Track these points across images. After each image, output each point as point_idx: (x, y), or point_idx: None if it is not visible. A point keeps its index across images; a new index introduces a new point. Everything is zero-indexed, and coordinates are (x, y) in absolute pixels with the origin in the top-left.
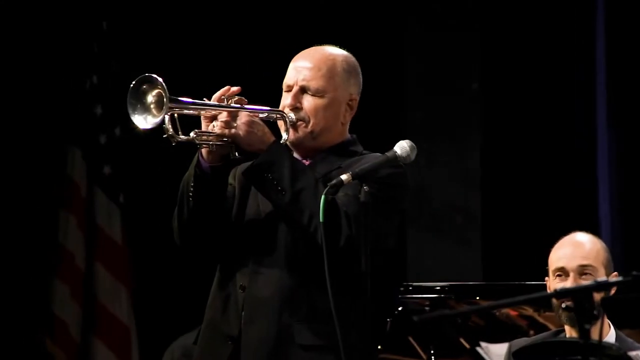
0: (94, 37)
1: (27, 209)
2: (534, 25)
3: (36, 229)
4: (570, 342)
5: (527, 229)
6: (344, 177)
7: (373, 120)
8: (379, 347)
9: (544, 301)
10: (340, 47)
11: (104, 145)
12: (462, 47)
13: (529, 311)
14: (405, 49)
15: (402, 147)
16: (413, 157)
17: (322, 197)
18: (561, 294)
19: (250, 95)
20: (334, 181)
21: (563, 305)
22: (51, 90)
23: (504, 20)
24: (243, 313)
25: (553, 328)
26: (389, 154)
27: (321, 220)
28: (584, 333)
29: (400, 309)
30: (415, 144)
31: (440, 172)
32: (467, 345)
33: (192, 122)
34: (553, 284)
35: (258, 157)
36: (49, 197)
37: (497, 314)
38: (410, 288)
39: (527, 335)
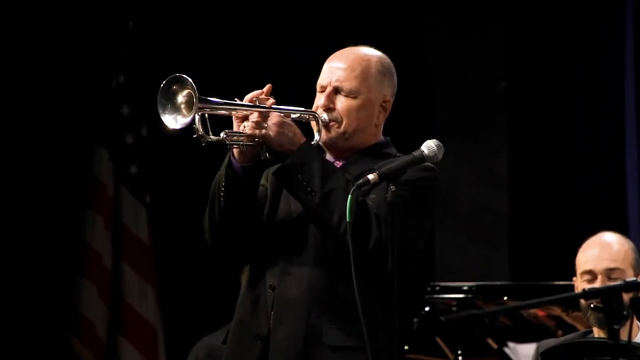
0: (120, 37)
1: (55, 209)
2: (562, 24)
3: (63, 229)
4: (599, 343)
5: (555, 229)
6: (370, 176)
7: (400, 121)
8: (407, 347)
9: (572, 301)
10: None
11: (131, 145)
12: (489, 47)
13: (557, 311)
14: (432, 49)
15: (429, 146)
16: (440, 156)
17: (350, 196)
18: (590, 294)
19: (279, 94)
20: (360, 181)
21: (592, 306)
22: (78, 90)
23: (532, 19)
24: (272, 313)
25: (581, 328)
26: (416, 153)
27: (348, 219)
28: (613, 333)
29: (427, 309)
30: (442, 144)
31: (467, 172)
32: (495, 346)
33: (224, 122)
34: (581, 286)
35: (288, 157)
36: (76, 197)
37: (525, 314)
38: (438, 288)
39: (555, 335)
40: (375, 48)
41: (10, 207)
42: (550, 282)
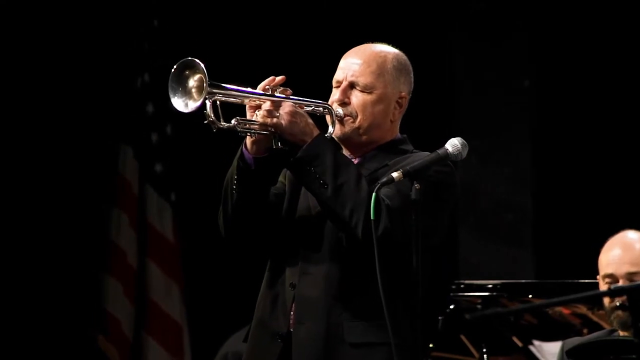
0: (145, 35)
1: (80, 207)
2: (587, 21)
3: (89, 227)
4: (624, 341)
5: (580, 226)
6: (395, 174)
7: (424, 119)
8: (431, 345)
9: (598, 299)
10: (391, 45)
11: (156, 144)
12: (513, 45)
13: (582, 309)
14: (457, 46)
15: (453, 144)
16: (464, 154)
17: (373, 194)
18: (616, 292)
19: (304, 92)
20: (384, 179)
21: (617, 303)
22: (103, 88)
23: (556, 16)
24: (293, 311)
25: (607, 327)
26: (440, 151)
27: (372, 217)
28: (639, 332)
29: (452, 307)
30: (466, 142)
31: (491, 170)
32: (520, 344)
33: (238, 113)
34: (604, 288)
35: (301, 149)
36: (102, 195)
37: (550, 312)
38: (462, 286)
39: (580, 333)
40: (400, 47)
41: (36, 204)
42: (576, 280)
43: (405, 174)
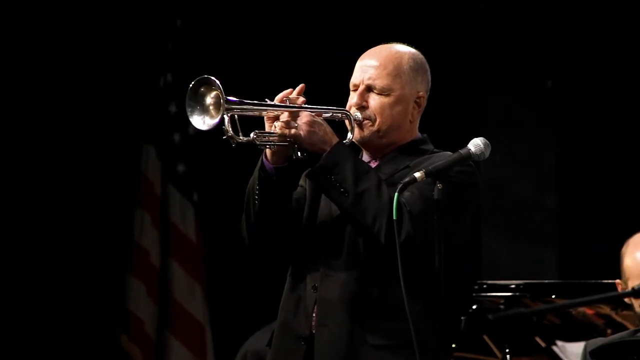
0: (168, 36)
1: (103, 207)
2: (609, 19)
3: (112, 227)
4: None
5: (605, 226)
6: (417, 174)
7: (447, 118)
8: (454, 345)
9: (621, 300)
10: (409, 45)
11: (178, 144)
12: (536, 45)
13: (606, 310)
14: (480, 47)
15: (476, 144)
16: (487, 154)
17: (395, 195)
18: (639, 292)
19: (323, 96)
20: (407, 179)
21: None
22: (126, 88)
23: (578, 15)
24: (315, 314)
25: (630, 327)
26: (462, 151)
27: (394, 217)
28: None
29: (475, 307)
30: (489, 141)
31: (515, 169)
32: (543, 344)
33: (256, 123)
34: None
35: (321, 157)
36: (124, 194)
37: (573, 312)
38: (485, 286)
39: (603, 334)
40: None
41: (59, 205)
42: (599, 281)
43: (427, 174)
